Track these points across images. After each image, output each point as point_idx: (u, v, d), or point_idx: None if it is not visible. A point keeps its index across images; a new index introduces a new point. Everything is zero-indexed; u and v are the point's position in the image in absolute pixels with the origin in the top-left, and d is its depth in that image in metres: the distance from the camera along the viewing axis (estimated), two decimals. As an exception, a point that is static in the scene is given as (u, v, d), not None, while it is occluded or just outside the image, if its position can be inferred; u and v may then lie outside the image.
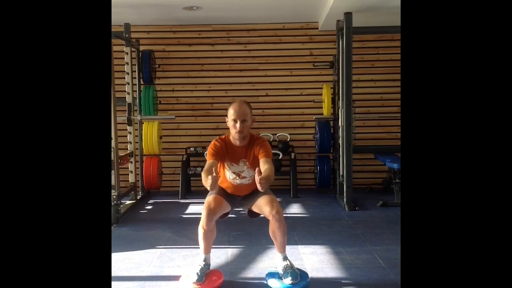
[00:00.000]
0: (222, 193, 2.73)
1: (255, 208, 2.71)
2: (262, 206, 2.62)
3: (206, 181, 2.35)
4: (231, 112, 2.62)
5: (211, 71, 5.67)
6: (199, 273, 2.60)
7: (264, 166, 2.50)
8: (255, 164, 2.61)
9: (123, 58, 4.97)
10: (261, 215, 2.76)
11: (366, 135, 5.66)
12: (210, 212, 2.58)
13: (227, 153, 2.68)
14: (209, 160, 2.61)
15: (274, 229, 2.61)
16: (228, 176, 2.72)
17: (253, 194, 2.72)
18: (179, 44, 5.73)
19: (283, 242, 2.66)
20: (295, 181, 5.28)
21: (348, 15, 4.51)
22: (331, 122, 5.40)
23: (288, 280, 2.58)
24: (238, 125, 2.59)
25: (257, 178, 2.29)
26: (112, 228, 3.98)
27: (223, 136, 2.74)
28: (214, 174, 2.35)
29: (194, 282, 2.57)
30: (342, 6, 4.42)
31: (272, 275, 2.70)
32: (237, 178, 2.71)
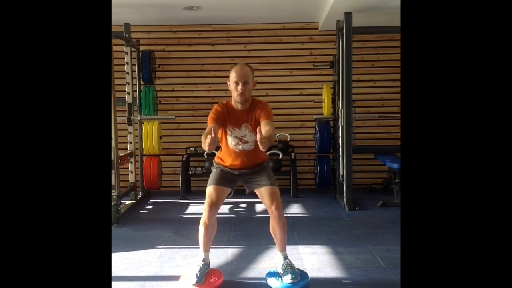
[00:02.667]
0: (222, 177, 2.67)
1: (257, 193, 2.68)
2: (264, 197, 2.61)
3: (205, 142, 2.31)
4: (232, 75, 2.57)
5: (211, 71, 5.67)
6: (198, 274, 2.60)
7: (265, 127, 2.45)
8: (257, 128, 2.53)
9: (123, 58, 4.97)
10: (262, 214, 2.76)
11: (366, 135, 5.66)
12: (212, 205, 2.57)
13: (229, 118, 2.62)
14: (210, 125, 2.54)
15: (273, 224, 2.62)
16: (230, 142, 2.65)
17: (257, 174, 2.66)
18: (179, 44, 5.73)
19: (283, 239, 2.66)
20: (295, 181, 5.28)
21: (348, 15, 4.51)
22: (331, 122, 5.40)
23: (287, 278, 2.58)
24: (239, 87, 2.54)
25: (258, 137, 2.26)
26: (112, 228, 3.98)
27: (225, 101, 2.69)
28: (213, 135, 2.29)
29: (194, 284, 2.57)
30: (342, 6, 4.42)
31: (272, 275, 2.70)
32: (240, 143, 2.63)
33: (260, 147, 2.30)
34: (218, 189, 2.62)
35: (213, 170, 2.74)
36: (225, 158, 2.71)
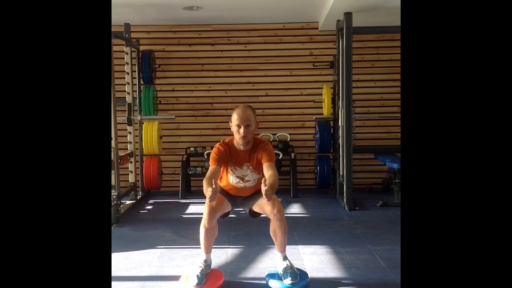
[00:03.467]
0: (224, 193, 2.73)
1: (256, 208, 2.72)
2: (264, 205, 2.62)
3: (207, 191, 2.33)
4: (234, 117, 2.60)
5: (211, 71, 5.67)
6: (199, 275, 2.59)
7: (268, 172, 2.50)
8: (258, 168, 2.63)
9: (123, 58, 4.97)
10: (263, 215, 2.76)
11: (366, 135, 5.66)
12: (212, 210, 2.57)
13: (231, 158, 2.66)
14: (212, 165, 2.59)
15: (275, 228, 2.61)
16: (231, 180, 2.71)
17: (255, 194, 2.72)
18: (179, 44, 5.73)
19: (283, 241, 2.66)
20: (295, 181, 5.28)
21: (348, 15, 4.51)
22: (331, 122, 5.40)
23: (288, 280, 2.57)
24: (242, 130, 2.58)
25: (263, 189, 2.28)
26: (112, 228, 3.98)
27: (227, 140, 2.72)
28: (214, 186, 2.31)
29: (195, 286, 2.56)
30: (342, 6, 4.42)
31: (272, 275, 2.70)
32: (241, 181, 2.70)
33: (265, 199, 2.33)
34: (219, 197, 2.63)
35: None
36: (227, 189, 2.77)
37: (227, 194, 2.75)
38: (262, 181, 2.33)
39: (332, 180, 5.38)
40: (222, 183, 2.76)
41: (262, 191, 2.29)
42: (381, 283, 2.69)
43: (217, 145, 2.69)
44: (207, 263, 2.68)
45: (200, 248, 2.71)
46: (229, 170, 2.68)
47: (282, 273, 2.64)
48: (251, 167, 2.67)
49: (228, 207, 2.74)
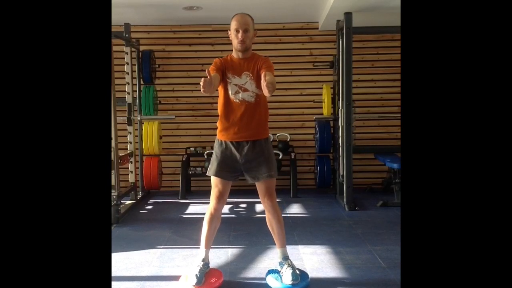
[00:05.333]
0: (225, 167, 2.61)
1: (256, 185, 2.67)
2: (260, 190, 2.63)
3: (201, 85, 2.29)
4: (233, 23, 2.55)
5: (211, 71, 5.66)
6: (198, 275, 2.59)
7: (267, 76, 2.39)
8: (257, 78, 2.54)
9: (123, 58, 4.97)
10: (263, 213, 2.77)
11: (366, 135, 5.66)
12: (220, 195, 2.60)
13: (229, 67, 2.59)
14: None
15: (269, 217, 2.66)
16: (230, 91, 2.59)
17: (258, 161, 2.60)
18: (179, 44, 5.73)
19: (280, 233, 2.66)
20: (295, 181, 5.28)
21: (348, 15, 4.51)
22: (331, 122, 5.40)
23: (288, 280, 2.58)
24: (240, 34, 2.52)
25: (263, 82, 2.29)
26: (112, 228, 3.98)
27: (225, 56, 2.67)
28: (208, 77, 2.29)
29: (194, 285, 2.56)
30: (342, 6, 4.42)
31: (272, 275, 2.70)
32: (239, 90, 2.58)
33: (265, 91, 2.31)
34: (223, 182, 2.62)
35: (215, 153, 2.66)
36: (225, 117, 2.64)
37: (228, 163, 2.60)
38: (262, 75, 2.33)
39: (332, 180, 5.38)
40: (221, 115, 2.65)
41: (262, 83, 2.31)
42: (381, 283, 2.69)
43: (214, 59, 2.63)
44: (205, 261, 2.68)
45: (199, 248, 2.72)
46: (227, 79, 2.59)
47: (282, 273, 2.64)
48: (250, 75, 2.58)
49: (230, 184, 2.67)
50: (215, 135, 2.72)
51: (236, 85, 2.59)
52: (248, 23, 2.54)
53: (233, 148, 2.61)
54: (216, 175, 2.61)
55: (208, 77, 2.30)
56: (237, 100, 2.59)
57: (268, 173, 2.60)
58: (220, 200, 2.62)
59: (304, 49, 5.71)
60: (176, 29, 5.70)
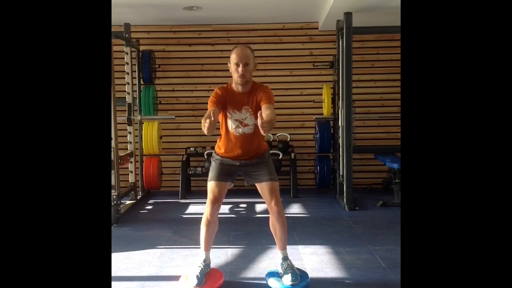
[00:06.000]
0: (222, 171, 2.64)
1: (257, 187, 2.67)
2: (265, 192, 2.62)
3: (204, 125, 2.27)
4: (233, 56, 2.54)
5: (211, 71, 5.66)
6: (199, 276, 2.59)
7: (266, 111, 2.41)
8: (257, 111, 2.50)
9: (123, 58, 4.97)
10: (263, 214, 2.76)
11: (366, 135, 5.66)
12: (215, 201, 2.59)
13: (229, 100, 2.59)
14: (210, 108, 2.50)
15: (273, 221, 2.64)
16: (230, 125, 2.62)
17: (258, 167, 2.64)
18: (179, 44, 5.73)
19: (283, 236, 2.66)
20: (295, 181, 5.28)
21: (348, 15, 4.51)
22: (331, 122, 5.40)
23: (288, 280, 2.58)
24: (240, 68, 2.51)
25: (259, 121, 2.23)
26: (112, 228, 3.98)
27: (225, 85, 2.66)
28: (212, 118, 2.27)
29: (195, 286, 2.56)
30: (342, 6, 4.42)
31: (272, 275, 2.70)
32: (240, 125, 2.60)
33: (262, 131, 2.28)
34: (219, 185, 2.62)
35: (213, 163, 2.69)
36: (225, 145, 2.66)
37: (224, 170, 2.64)
38: (258, 114, 2.26)
39: (332, 180, 5.38)
40: (221, 137, 2.68)
41: (259, 123, 2.24)
42: (381, 283, 2.69)
43: (215, 89, 2.63)
44: (206, 262, 2.68)
45: (199, 248, 2.72)
46: (228, 114, 2.60)
47: (282, 273, 2.64)
48: (250, 110, 2.58)
49: (228, 186, 2.67)
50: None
51: (236, 120, 2.61)
52: (248, 57, 2.54)
53: (231, 160, 2.67)
54: (214, 179, 2.63)
55: (213, 118, 2.28)
56: (237, 134, 2.63)
57: (269, 176, 2.62)
58: (215, 204, 2.61)
59: (304, 49, 5.71)
60: (176, 29, 5.70)
